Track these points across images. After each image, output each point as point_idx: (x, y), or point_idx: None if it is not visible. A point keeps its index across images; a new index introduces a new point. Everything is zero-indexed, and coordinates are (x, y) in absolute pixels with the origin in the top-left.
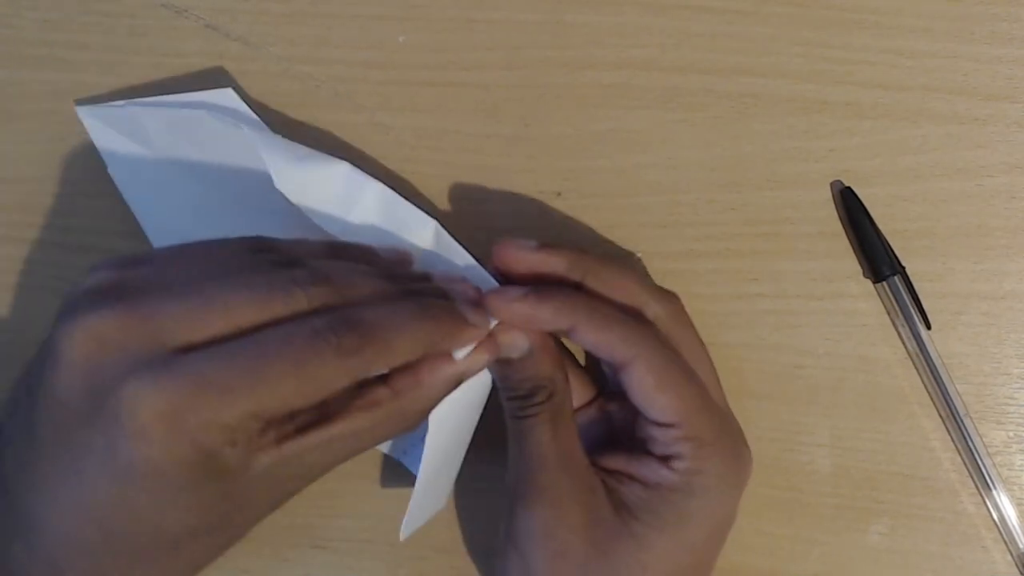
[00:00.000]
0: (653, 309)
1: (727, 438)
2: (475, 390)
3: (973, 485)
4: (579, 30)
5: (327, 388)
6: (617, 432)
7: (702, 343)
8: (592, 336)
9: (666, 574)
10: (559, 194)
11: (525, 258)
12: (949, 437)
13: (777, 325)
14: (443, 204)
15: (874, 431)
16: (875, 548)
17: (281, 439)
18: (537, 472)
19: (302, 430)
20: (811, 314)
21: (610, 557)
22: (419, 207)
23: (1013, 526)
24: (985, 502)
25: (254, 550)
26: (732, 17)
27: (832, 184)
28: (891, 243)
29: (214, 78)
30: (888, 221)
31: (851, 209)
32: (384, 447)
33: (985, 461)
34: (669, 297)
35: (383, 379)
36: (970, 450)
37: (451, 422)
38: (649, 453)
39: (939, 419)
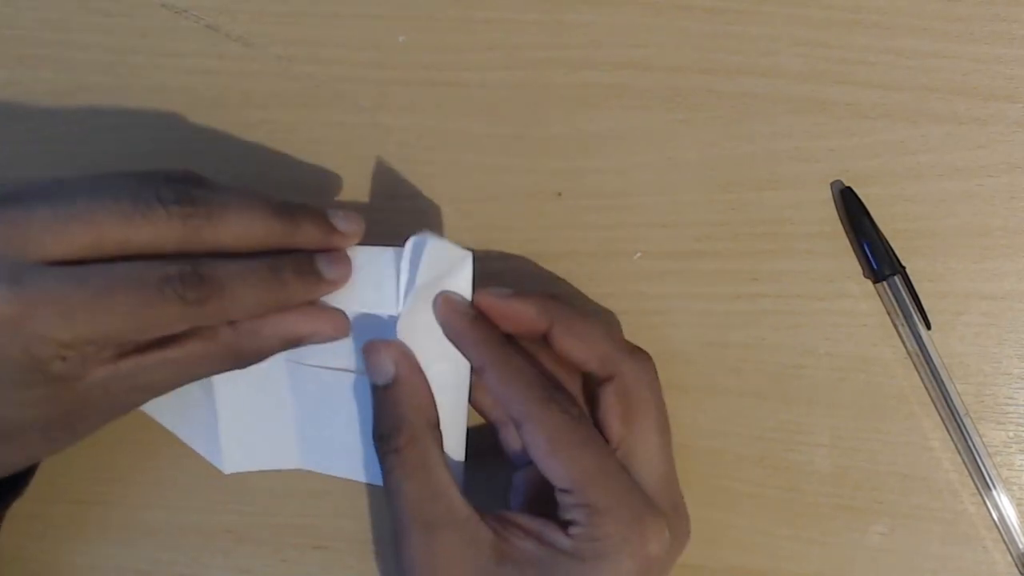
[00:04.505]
0: (619, 366)
1: (626, 508)
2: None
3: (973, 485)
4: (579, 30)
5: (165, 330)
6: None
7: (663, 408)
8: (495, 385)
9: None
10: (559, 194)
11: (497, 304)
12: (949, 437)
13: (777, 325)
14: (443, 204)
15: (874, 431)
16: (875, 548)
17: (118, 357)
18: (408, 528)
19: (140, 350)
20: (811, 314)
21: None
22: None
23: (1013, 526)
24: (985, 502)
25: (254, 550)
26: (732, 17)
27: (832, 184)
28: (891, 243)
29: (213, 78)
30: (888, 221)
31: (851, 209)
32: (364, 477)
33: (985, 461)
34: (639, 355)
35: None
36: (970, 450)
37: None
38: (555, 515)
39: (939, 419)
